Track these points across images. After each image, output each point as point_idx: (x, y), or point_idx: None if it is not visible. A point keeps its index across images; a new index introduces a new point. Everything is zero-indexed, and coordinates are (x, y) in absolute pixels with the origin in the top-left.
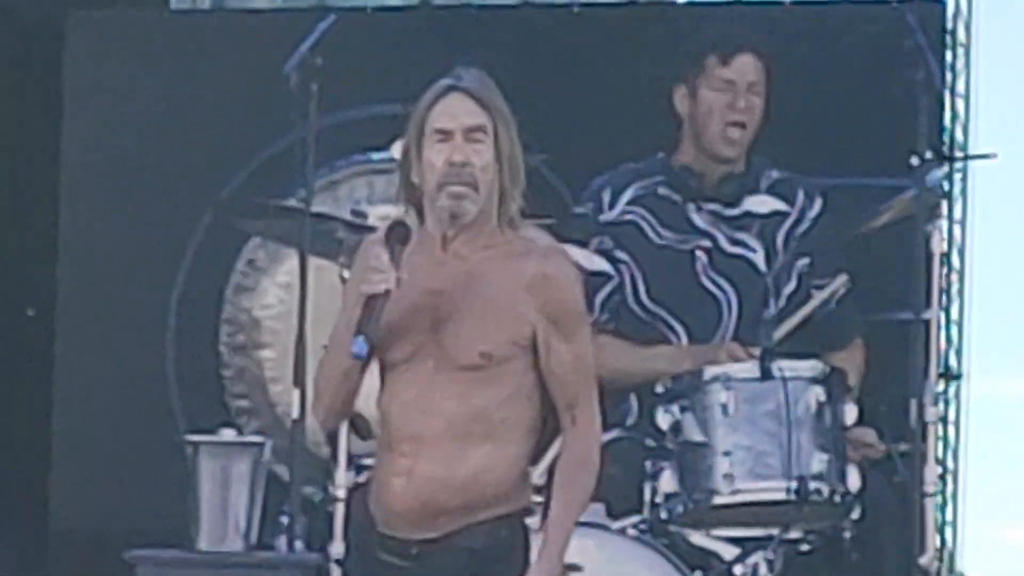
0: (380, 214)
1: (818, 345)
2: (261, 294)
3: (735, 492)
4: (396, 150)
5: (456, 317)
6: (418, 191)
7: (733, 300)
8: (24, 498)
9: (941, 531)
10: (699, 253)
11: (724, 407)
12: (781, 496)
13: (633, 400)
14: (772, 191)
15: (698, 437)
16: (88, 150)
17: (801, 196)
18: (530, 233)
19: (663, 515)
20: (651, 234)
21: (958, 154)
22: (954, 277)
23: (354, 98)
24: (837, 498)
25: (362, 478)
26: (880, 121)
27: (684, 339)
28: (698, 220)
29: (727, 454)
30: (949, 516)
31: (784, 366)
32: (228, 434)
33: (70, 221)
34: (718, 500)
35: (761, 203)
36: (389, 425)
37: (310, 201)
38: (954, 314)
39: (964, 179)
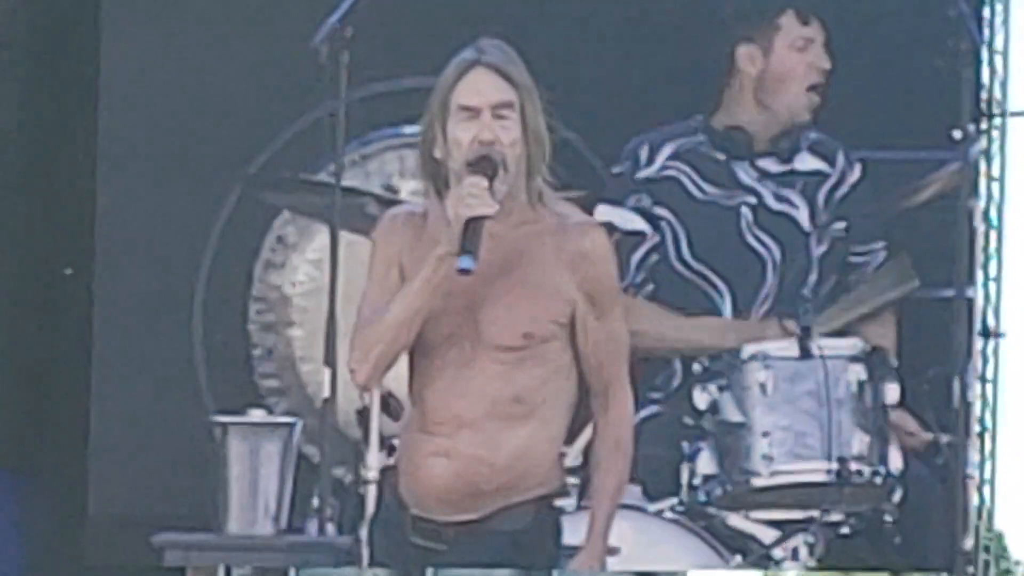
0: (412, 189)
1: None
2: (291, 271)
3: (774, 474)
4: None
5: (494, 298)
6: (442, 167)
7: (777, 257)
8: (65, 477)
9: (980, 489)
10: (744, 210)
11: (763, 386)
12: (821, 478)
13: (677, 365)
14: (813, 150)
15: (736, 417)
16: (123, 118)
17: (842, 159)
18: (562, 208)
19: (701, 497)
20: (693, 189)
21: (996, 111)
22: (992, 234)
23: (385, 70)
24: (879, 480)
25: (393, 460)
26: (922, 93)
27: (727, 297)
28: (743, 176)
29: (766, 435)
30: (987, 474)
31: (824, 344)
32: (257, 415)
33: (106, 192)
34: (757, 482)
35: (803, 160)
36: (424, 408)
37: (340, 175)
38: (992, 271)
39: (1003, 136)
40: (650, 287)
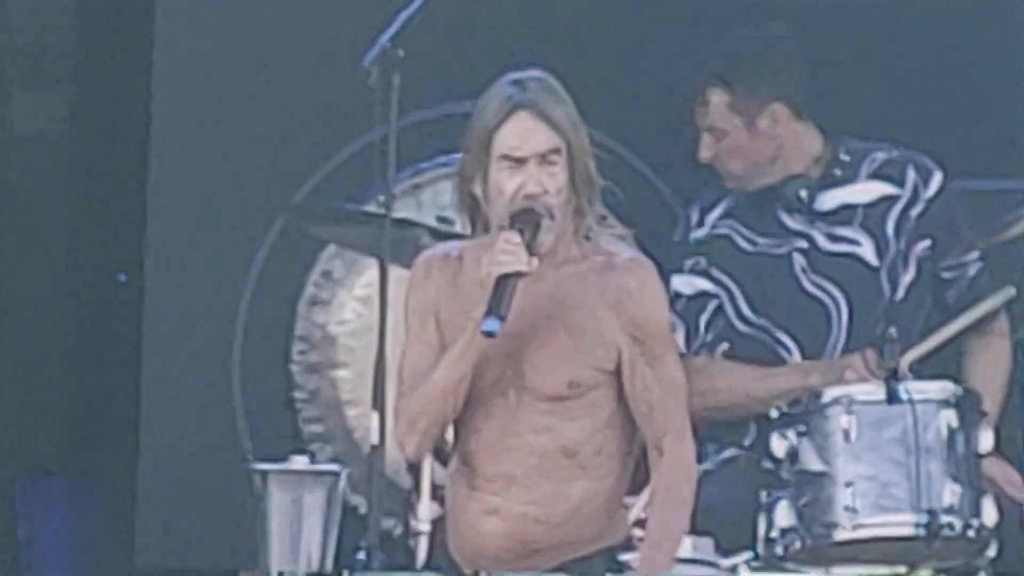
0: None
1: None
2: (337, 308)
3: (858, 527)
4: None
5: (538, 344)
6: (480, 203)
7: (842, 302)
8: (115, 482)
9: None
10: (796, 255)
11: (846, 433)
12: (909, 531)
13: (752, 426)
14: (878, 175)
15: (817, 466)
16: (172, 138)
17: (912, 175)
18: (611, 246)
19: (779, 551)
20: (743, 243)
21: None
22: None
23: (439, 93)
24: (971, 533)
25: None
26: (1015, 118)
27: (795, 351)
28: (790, 221)
29: (849, 485)
30: None
31: (912, 388)
32: (300, 462)
33: (154, 217)
34: (839, 535)
35: (862, 191)
36: (472, 463)
37: (391, 206)
38: None
39: None
40: (724, 346)
